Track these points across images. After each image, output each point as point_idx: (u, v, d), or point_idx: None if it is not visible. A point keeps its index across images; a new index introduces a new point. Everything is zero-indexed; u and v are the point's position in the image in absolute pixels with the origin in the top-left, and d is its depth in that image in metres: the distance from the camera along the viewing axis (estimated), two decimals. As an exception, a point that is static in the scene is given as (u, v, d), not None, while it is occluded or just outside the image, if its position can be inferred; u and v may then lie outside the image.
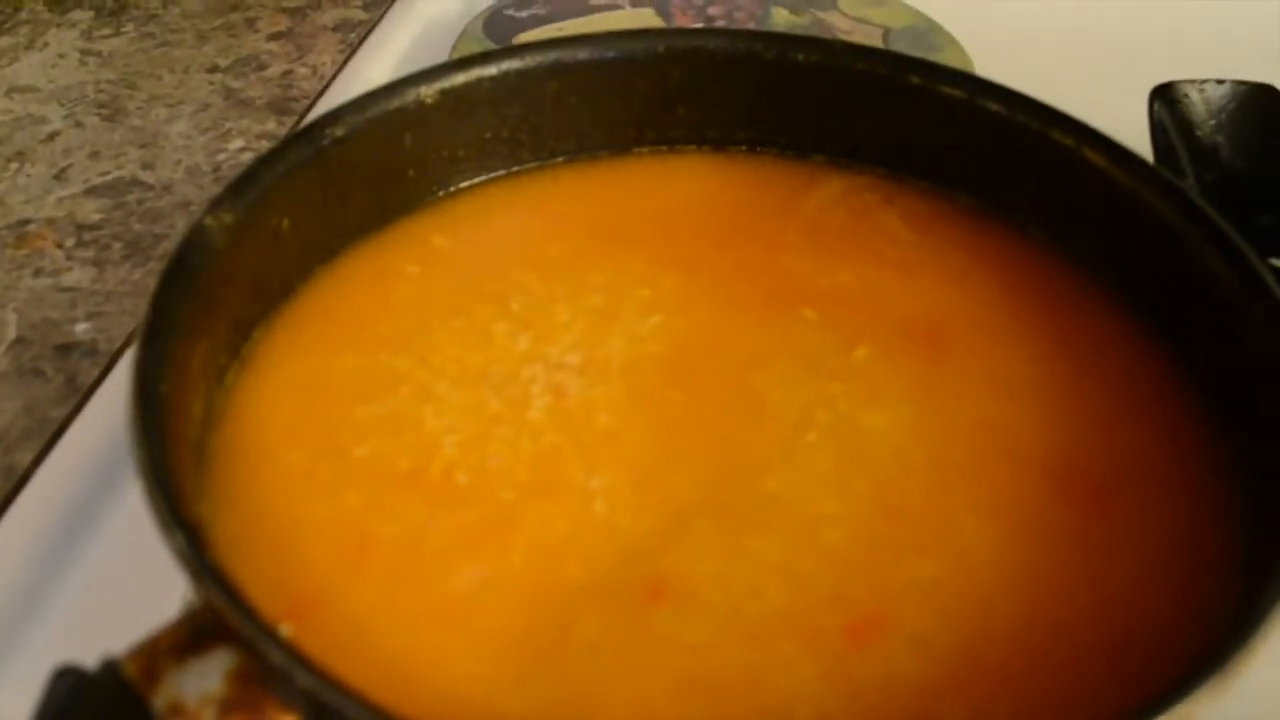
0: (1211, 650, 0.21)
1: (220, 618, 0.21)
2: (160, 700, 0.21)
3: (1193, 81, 0.42)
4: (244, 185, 0.29)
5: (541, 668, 0.23)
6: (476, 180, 0.34)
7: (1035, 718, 0.23)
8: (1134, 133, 0.41)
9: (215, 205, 0.28)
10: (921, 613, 0.24)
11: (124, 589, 0.31)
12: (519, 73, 0.34)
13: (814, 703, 0.23)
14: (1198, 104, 0.42)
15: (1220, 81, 0.42)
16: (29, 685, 0.28)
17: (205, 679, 0.21)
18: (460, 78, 0.33)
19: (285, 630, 0.21)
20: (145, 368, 0.25)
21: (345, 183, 0.32)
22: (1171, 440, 0.28)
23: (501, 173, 0.35)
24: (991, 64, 0.45)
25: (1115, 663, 0.24)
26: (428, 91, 0.33)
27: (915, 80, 0.34)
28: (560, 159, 0.35)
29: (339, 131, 0.31)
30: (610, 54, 0.34)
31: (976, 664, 0.23)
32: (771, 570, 0.25)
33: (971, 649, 0.24)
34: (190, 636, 0.21)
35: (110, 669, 0.21)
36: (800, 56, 0.34)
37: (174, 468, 0.23)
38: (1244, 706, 0.23)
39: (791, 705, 0.23)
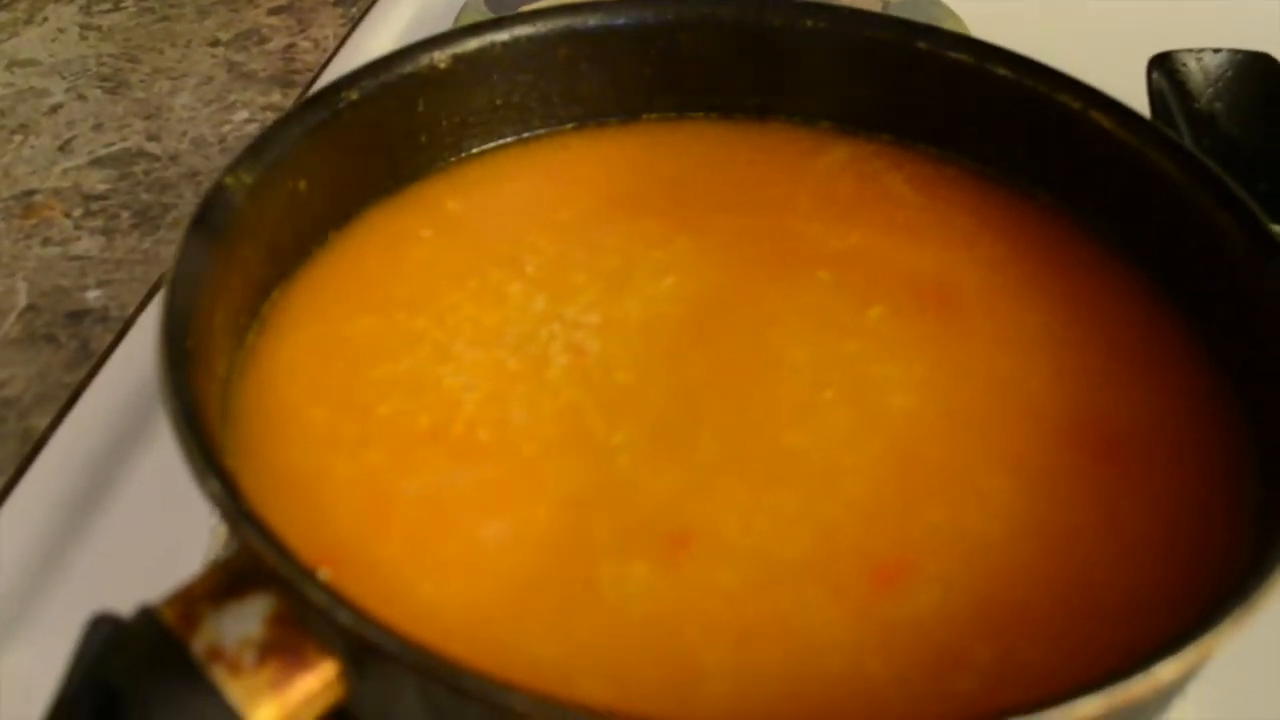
0: (1231, 588, 0.22)
1: (259, 560, 0.21)
2: (200, 644, 0.21)
3: (1190, 50, 0.43)
4: (262, 146, 0.29)
5: (572, 615, 0.24)
6: (488, 145, 0.35)
7: (1062, 654, 0.23)
8: (1133, 101, 0.41)
9: (235, 165, 0.29)
10: (944, 558, 0.25)
11: (142, 548, 0.31)
12: (530, 38, 0.34)
13: (844, 646, 0.23)
14: (1195, 73, 0.42)
15: (1217, 50, 0.43)
16: (52, 643, 0.28)
17: (244, 623, 0.21)
18: (473, 43, 0.33)
19: (323, 574, 0.21)
20: (172, 322, 0.25)
21: (360, 146, 0.32)
22: (1182, 394, 0.29)
23: (512, 138, 0.35)
24: (989, 35, 0.45)
25: (1137, 605, 0.24)
26: (441, 56, 0.33)
27: (922, 46, 0.34)
28: (570, 125, 0.35)
29: (354, 95, 0.31)
30: (620, 21, 0.35)
31: (1002, 605, 0.24)
32: (795, 521, 0.25)
33: (996, 592, 0.24)
34: (226, 582, 0.22)
35: (147, 615, 0.21)
36: (808, 23, 0.35)
37: (204, 419, 0.23)
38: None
39: (822, 649, 0.23)
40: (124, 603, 0.22)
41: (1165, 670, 0.20)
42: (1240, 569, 0.24)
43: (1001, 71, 0.33)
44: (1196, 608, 0.23)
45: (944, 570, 0.24)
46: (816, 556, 0.25)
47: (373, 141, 0.32)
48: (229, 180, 0.28)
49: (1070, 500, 0.26)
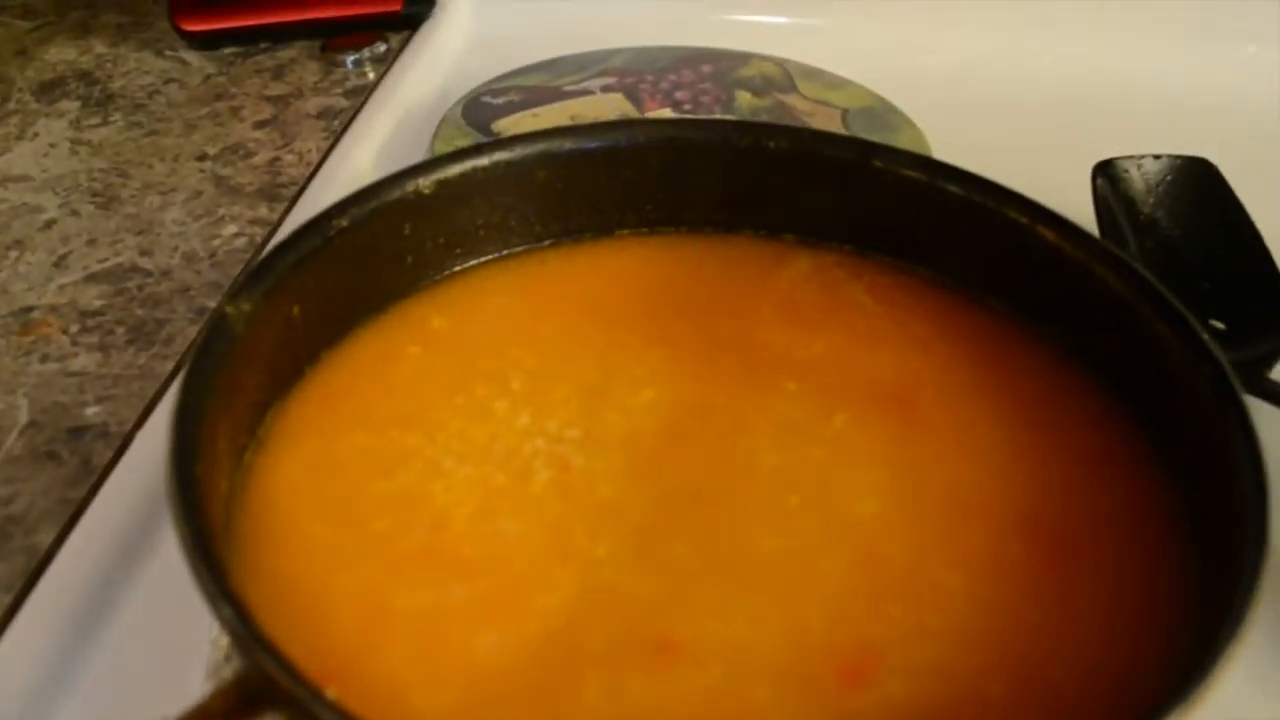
0: (1173, 684, 0.23)
1: (272, 682, 0.22)
2: (216, 761, 0.22)
3: (1130, 157, 0.45)
4: (260, 275, 0.31)
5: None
6: (470, 264, 0.36)
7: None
8: (1080, 205, 0.43)
9: (235, 295, 0.30)
10: (907, 653, 0.26)
11: (146, 659, 0.32)
12: (509, 163, 0.36)
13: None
14: (1136, 179, 0.45)
15: (1156, 157, 0.45)
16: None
17: (257, 741, 0.23)
18: (455, 169, 0.35)
19: (331, 693, 0.23)
20: (180, 450, 0.26)
21: (350, 269, 0.33)
22: (1127, 494, 0.30)
23: (493, 256, 0.37)
24: (945, 143, 0.48)
25: (1089, 694, 0.26)
26: (425, 183, 0.35)
27: (879, 164, 0.36)
28: (548, 242, 0.37)
29: (344, 221, 0.33)
30: (594, 144, 0.37)
31: (960, 695, 0.26)
32: (769, 622, 0.27)
33: (955, 683, 0.26)
34: (239, 701, 0.23)
35: (164, 735, 0.23)
36: (771, 144, 0.37)
37: (214, 545, 0.25)
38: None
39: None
40: (133, 713, 0.24)
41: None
42: (1184, 658, 0.25)
43: (953, 188, 0.35)
44: (1145, 695, 0.25)
45: (907, 665, 0.26)
46: (789, 655, 0.26)
47: (362, 264, 0.34)
48: (229, 309, 0.30)
49: (1024, 596, 0.28)
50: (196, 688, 0.30)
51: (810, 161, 0.37)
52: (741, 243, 0.38)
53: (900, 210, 0.36)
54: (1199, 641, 0.25)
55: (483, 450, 0.31)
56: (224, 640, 0.31)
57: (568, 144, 0.37)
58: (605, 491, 0.30)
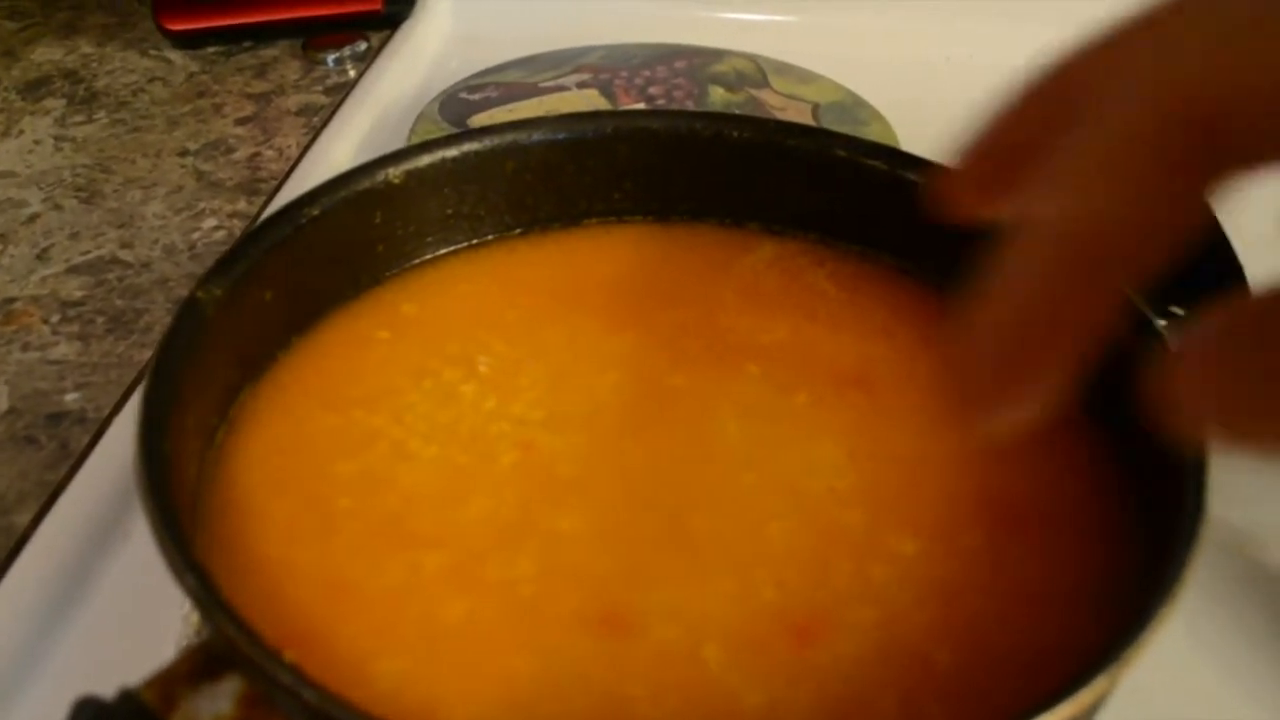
0: (1107, 649, 0.24)
1: (232, 645, 0.23)
2: (177, 722, 0.23)
3: (1094, 149, 0.46)
4: (231, 261, 0.32)
5: (526, 687, 0.26)
6: (440, 252, 0.37)
7: (956, 699, 0.26)
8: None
9: (206, 280, 0.31)
10: (857, 613, 0.27)
11: (120, 635, 0.33)
12: (478, 154, 0.37)
13: (766, 697, 0.26)
14: (1099, 169, 0.45)
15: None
16: (37, 728, 0.30)
17: (217, 702, 0.23)
18: (425, 159, 0.36)
19: (289, 657, 0.23)
20: (149, 429, 0.27)
21: (321, 257, 0.34)
22: (1075, 470, 0.31)
23: (463, 245, 0.37)
24: (913, 136, 0.49)
25: (1027, 655, 0.27)
26: (395, 172, 0.35)
27: (840, 153, 0.37)
28: (517, 231, 0.38)
29: (315, 211, 0.34)
30: (562, 135, 0.37)
31: (906, 656, 0.26)
32: (722, 589, 0.28)
33: (903, 642, 0.27)
34: (201, 665, 0.24)
35: (128, 697, 0.24)
36: (735, 134, 0.38)
37: (179, 518, 0.26)
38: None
39: (747, 700, 0.26)
40: (104, 685, 0.24)
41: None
42: (1124, 624, 0.26)
43: (912, 176, 0.36)
44: (1084, 656, 0.26)
45: (857, 625, 0.27)
46: (742, 618, 0.27)
47: (333, 252, 0.35)
48: (200, 294, 0.31)
49: (974, 564, 0.29)
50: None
51: (773, 151, 0.37)
52: (707, 231, 0.39)
53: (861, 198, 0.37)
54: (1137, 608, 0.26)
55: (448, 431, 0.32)
56: (195, 616, 0.32)
57: (536, 135, 0.37)
58: (568, 470, 0.31)
